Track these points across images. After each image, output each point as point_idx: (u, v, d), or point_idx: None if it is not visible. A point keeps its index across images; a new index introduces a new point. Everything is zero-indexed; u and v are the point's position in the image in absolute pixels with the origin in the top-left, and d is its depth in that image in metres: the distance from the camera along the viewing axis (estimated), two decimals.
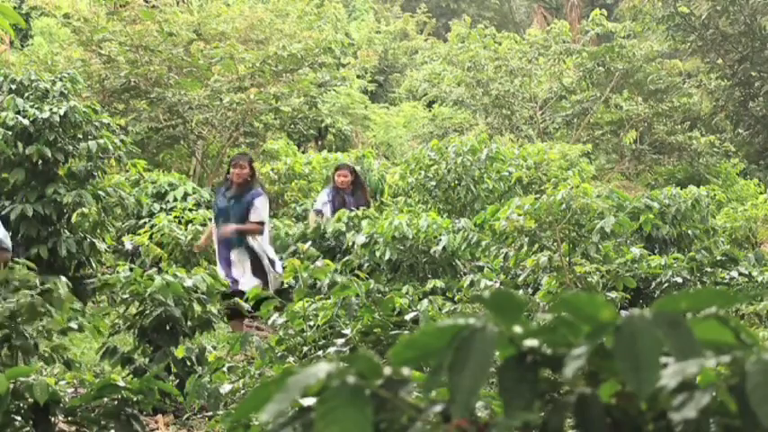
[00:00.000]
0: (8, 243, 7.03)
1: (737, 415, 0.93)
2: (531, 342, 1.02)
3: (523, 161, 12.01)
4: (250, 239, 8.56)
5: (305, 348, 5.61)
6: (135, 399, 3.74)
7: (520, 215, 7.38)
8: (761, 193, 16.27)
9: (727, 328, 1.01)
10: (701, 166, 20.28)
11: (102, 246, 9.15)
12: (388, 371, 1.03)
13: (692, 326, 0.99)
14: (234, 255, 8.53)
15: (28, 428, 3.49)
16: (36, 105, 8.83)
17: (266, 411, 0.98)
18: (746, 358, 0.93)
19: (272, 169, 13.91)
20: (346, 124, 20.72)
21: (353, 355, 1.05)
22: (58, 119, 8.68)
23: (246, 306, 6.52)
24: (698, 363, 0.94)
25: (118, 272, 6.14)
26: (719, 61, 21.76)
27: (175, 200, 11.73)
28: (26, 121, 8.61)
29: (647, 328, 0.96)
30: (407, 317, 5.56)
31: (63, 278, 5.03)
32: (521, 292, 7.37)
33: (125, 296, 5.91)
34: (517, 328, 1.02)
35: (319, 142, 20.00)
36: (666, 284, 8.02)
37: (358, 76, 21.88)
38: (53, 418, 3.61)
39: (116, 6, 15.30)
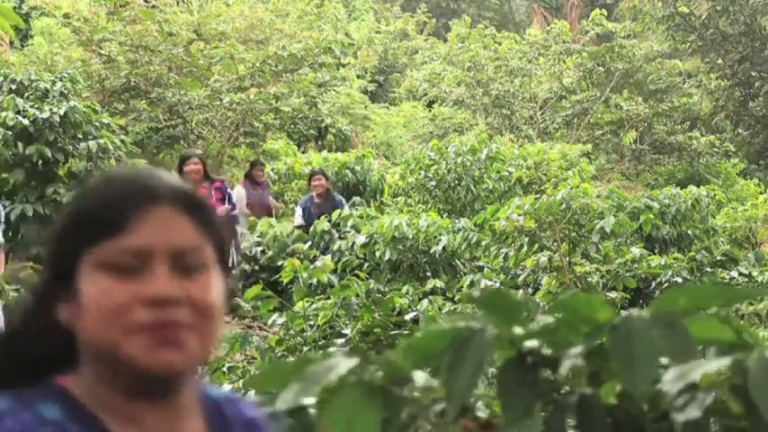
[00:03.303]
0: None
1: (741, 416, 0.94)
2: (531, 343, 1.02)
3: (523, 161, 12.01)
4: None
5: (305, 348, 5.61)
6: None
7: (520, 215, 7.38)
8: (761, 193, 16.26)
9: (727, 325, 1.01)
10: (701, 166, 20.27)
11: None
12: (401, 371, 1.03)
13: (691, 323, 0.99)
14: None
15: None
16: (36, 105, 8.83)
17: (280, 399, 0.99)
18: (747, 357, 0.93)
19: (272, 169, 13.91)
20: (346, 124, 20.71)
21: (374, 356, 1.05)
22: (58, 119, 8.68)
23: (247, 306, 6.52)
24: (700, 368, 0.94)
25: None
26: (719, 61, 21.76)
27: None
28: (26, 121, 8.61)
29: (642, 327, 0.97)
30: (407, 317, 5.56)
31: None
32: (521, 292, 7.37)
33: None
34: (517, 330, 1.02)
35: (319, 142, 19.99)
36: (666, 284, 8.01)
37: (358, 76, 21.87)
38: None
39: (116, 6, 15.29)
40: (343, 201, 10.10)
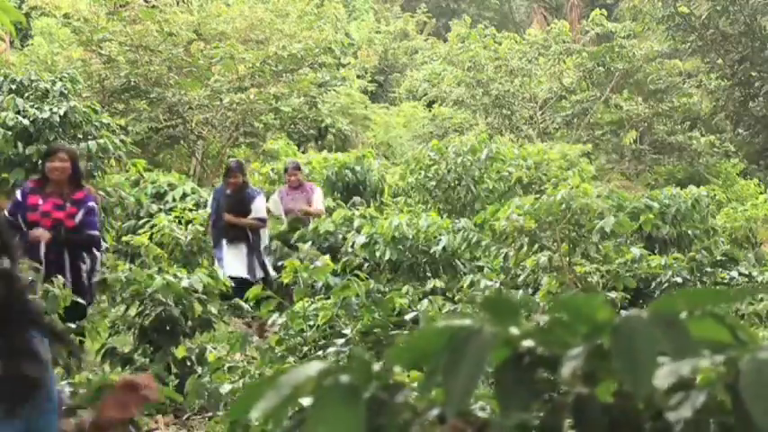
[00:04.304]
0: None
1: (732, 413, 0.94)
2: (527, 343, 1.02)
3: (523, 161, 12.01)
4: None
5: (305, 348, 5.61)
6: None
7: (520, 215, 7.38)
8: (761, 193, 16.28)
9: (724, 326, 1.01)
10: (701, 166, 20.30)
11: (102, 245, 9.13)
12: (380, 371, 1.03)
13: (689, 325, 0.99)
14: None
15: None
16: (36, 105, 8.83)
17: (256, 409, 0.99)
18: (741, 356, 0.93)
19: (272, 169, 13.91)
20: (346, 124, 20.71)
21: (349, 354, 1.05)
22: (57, 119, 8.69)
23: (246, 306, 6.52)
24: (691, 363, 0.94)
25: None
26: (719, 61, 21.75)
27: (174, 200, 11.73)
28: (26, 121, 8.62)
29: (644, 327, 0.97)
30: (407, 317, 5.56)
31: (60, 277, 5.03)
32: (521, 292, 7.37)
33: (125, 296, 5.91)
34: (514, 330, 1.02)
35: (319, 142, 19.99)
36: (666, 284, 8.01)
37: (358, 76, 21.89)
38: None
39: (116, 6, 15.30)
40: (261, 197, 9.10)
